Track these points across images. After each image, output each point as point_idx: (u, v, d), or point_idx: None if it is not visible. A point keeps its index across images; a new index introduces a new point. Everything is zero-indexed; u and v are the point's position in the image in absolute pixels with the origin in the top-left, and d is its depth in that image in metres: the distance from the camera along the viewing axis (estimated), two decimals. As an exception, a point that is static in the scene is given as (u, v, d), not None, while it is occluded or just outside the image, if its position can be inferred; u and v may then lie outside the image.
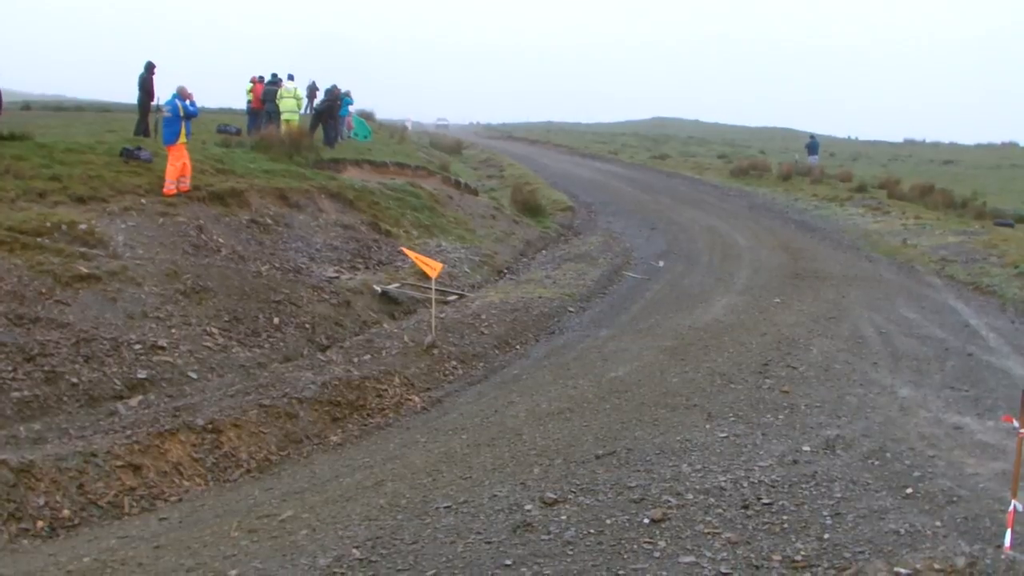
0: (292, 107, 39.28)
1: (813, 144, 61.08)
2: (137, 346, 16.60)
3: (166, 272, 19.13)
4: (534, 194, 41.70)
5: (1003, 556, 7.14)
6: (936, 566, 6.88)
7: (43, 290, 17.02)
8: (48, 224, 19.17)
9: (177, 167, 23.12)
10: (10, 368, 14.99)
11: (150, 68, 30.93)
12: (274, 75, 39.83)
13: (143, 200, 21.93)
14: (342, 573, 9.36)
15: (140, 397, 15.32)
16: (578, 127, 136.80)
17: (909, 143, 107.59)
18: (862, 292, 24.98)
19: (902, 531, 9.96)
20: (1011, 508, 8.95)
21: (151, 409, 14.74)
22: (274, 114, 38.50)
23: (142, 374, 15.93)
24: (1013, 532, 9.07)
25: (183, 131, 23.58)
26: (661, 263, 30.36)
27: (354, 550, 9.91)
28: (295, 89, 40.07)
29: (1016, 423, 8.96)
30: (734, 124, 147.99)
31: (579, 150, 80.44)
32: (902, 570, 6.85)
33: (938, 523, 10.19)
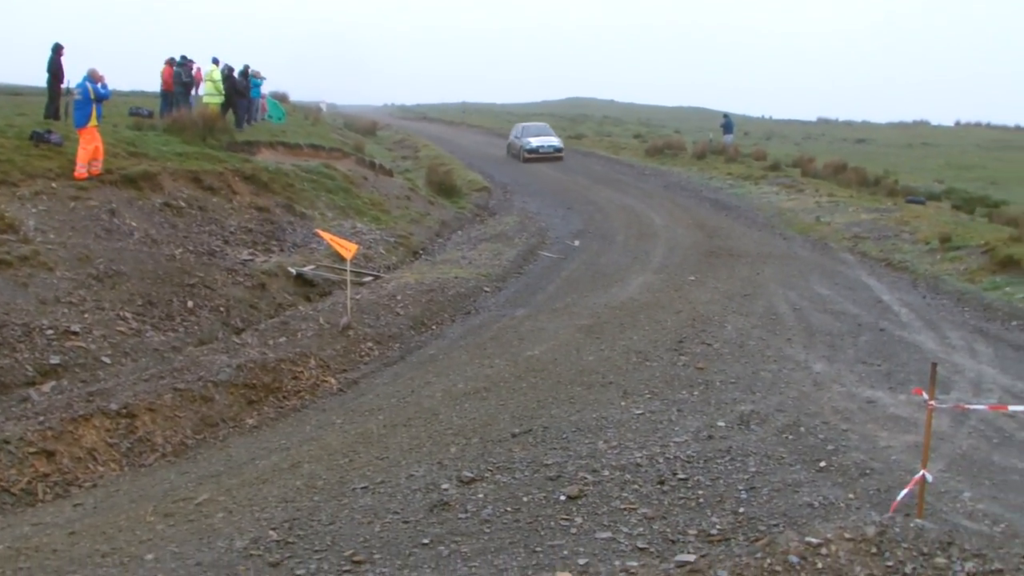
0: (210, 90, 38.93)
1: (728, 123, 61.27)
2: (49, 331, 16.40)
3: (78, 256, 18.90)
4: (449, 175, 41.64)
5: (912, 524, 7.27)
6: (846, 535, 6.98)
7: (-49, 276, 16.78)
8: (-44, 210, 18.89)
9: (88, 150, 22.78)
10: (-82, 355, 14.81)
11: (57, 50, 30.41)
12: (183, 56, 39.29)
13: (54, 184, 21.62)
14: (259, 555, 9.33)
15: (53, 383, 15.15)
16: (494, 108, 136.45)
17: (823, 122, 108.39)
18: (776, 269, 25.19)
19: (816, 504, 10.10)
20: (919, 475, 9.10)
21: (64, 395, 14.58)
22: (180, 96, 38.06)
23: (55, 359, 15.74)
24: (910, 493, 9.28)
25: (94, 114, 23.22)
26: (577, 242, 30.44)
27: (271, 532, 9.89)
28: (211, 71, 39.67)
29: (926, 395, 9.10)
30: (650, 104, 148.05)
31: (495, 131, 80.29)
32: (813, 540, 6.94)
33: (851, 495, 10.36)
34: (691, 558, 7.19)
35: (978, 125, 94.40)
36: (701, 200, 41.03)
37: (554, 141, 56.56)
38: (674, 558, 7.47)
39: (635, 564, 7.45)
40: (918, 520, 7.68)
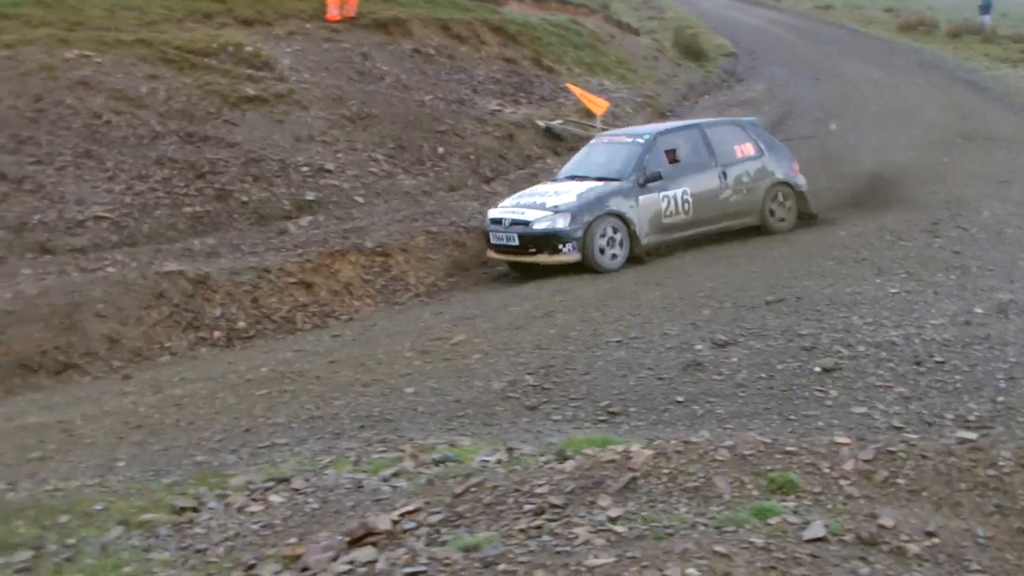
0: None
1: (987, 3, 58.87)
2: (304, 168, 16.81)
3: (332, 97, 19.24)
4: (696, 38, 40.96)
5: None
6: None
7: (211, 110, 17.31)
8: (215, 45, 19.43)
9: (341, -8, 23.05)
10: (183, 184, 15.39)
11: None
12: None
13: (307, 25, 22.04)
14: (516, 398, 9.50)
15: (309, 218, 15.55)
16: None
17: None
18: (1034, 157, 24.25)
19: (1083, 401, 9.73)
20: None
21: (320, 230, 14.97)
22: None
23: (310, 195, 16.15)
24: None
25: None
26: (833, 125, 29.56)
27: (527, 376, 10.04)
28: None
29: None
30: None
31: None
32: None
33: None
34: (973, 436, 6.99)
35: None
36: (955, 80, 39.58)
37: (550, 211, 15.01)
38: (954, 435, 7.29)
39: (914, 436, 7.30)
40: None
